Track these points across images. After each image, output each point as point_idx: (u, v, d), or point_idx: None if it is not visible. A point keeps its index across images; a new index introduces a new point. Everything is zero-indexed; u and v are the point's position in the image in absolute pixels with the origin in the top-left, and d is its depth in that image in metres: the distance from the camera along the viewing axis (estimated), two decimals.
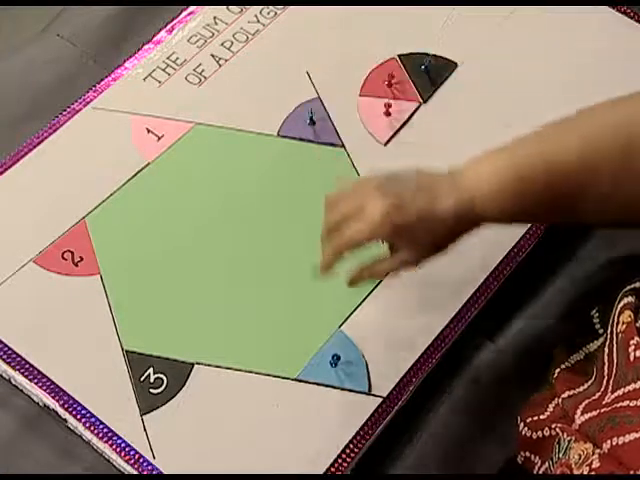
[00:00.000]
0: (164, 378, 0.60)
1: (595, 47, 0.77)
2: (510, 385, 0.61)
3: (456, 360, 0.62)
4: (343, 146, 0.71)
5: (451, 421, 0.60)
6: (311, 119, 0.72)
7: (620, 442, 0.45)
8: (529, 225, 0.66)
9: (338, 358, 0.61)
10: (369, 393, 0.60)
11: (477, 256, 0.65)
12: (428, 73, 0.75)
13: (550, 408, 0.56)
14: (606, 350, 0.53)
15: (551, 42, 0.77)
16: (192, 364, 0.61)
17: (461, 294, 0.64)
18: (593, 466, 0.47)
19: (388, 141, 0.72)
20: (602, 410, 0.50)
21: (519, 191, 0.49)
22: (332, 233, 0.53)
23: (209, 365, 0.61)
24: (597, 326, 0.58)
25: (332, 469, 0.57)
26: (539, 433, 0.55)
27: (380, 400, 0.60)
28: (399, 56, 0.76)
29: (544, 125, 0.52)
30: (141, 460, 0.57)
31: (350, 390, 0.60)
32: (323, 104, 0.74)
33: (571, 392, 0.55)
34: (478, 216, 0.51)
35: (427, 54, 0.76)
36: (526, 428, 0.56)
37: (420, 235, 0.50)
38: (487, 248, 0.65)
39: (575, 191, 0.49)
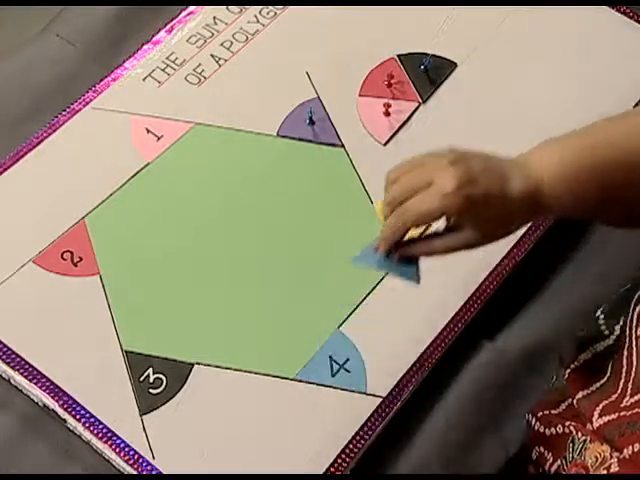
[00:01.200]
0: (164, 378, 0.60)
1: (594, 47, 0.76)
2: (511, 385, 0.61)
3: (456, 360, 0.62)
4: (343, 146, 0.71)
5: (452, 422, 0.60)
6: (310, 119, 0.72)
7: None
8: (530, 224, 0.65)
9: (337, 358, 0.61)
10: (368, 393, 0.60)
11: (478, 255, 0.64)
12: (427, 73, 0.75)
13: (562, 407, 0.55)
14: (625, 353, 0.53)
15: (550, 42, 0.77)
16: (192, 364, 0.61)
17: (461, 293, 0.64)
18: (612, 470, 0.47)
19: (387, 141, 0.72)
20: (621, 414, 0.49)
21: (587, 171, 0.49)
22: (396, 207, 0.50)
23: (209, 365, 0.61)
24: (603, 327, 0.57)
25: (332, 469, 0.57)
26: (552, 430, 0.54)
27: (379, 400, 0.60)
28: (398, 56, 0.76)
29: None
30: (141, 460, 0.57)
31: (349, 390, 0.60)
32: (322, 104, 0.74)
33: (584, 392, 0.54)
34: (545, 200, 0.49)
35: (426, 54, 0.76)
36: (538, 423, 0.55)
37: (488, 214, 0.49)
38: (487, 247, 0.65)
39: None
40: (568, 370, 0.57)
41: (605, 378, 0.54)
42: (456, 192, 0.48)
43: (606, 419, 0.50)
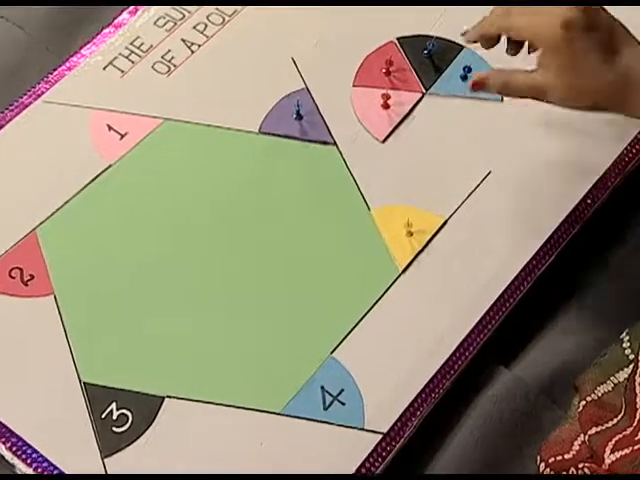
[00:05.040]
0: (129, 414, 0.61)
1: None
2: (528, 418, 0.62)
3: (466, 390, 0.63)
4: (335, 144, 0.72)
5: (461, 459, 0.60)
6: (298, 113, 0.73)
7: None
8: (546, 236, 0.67)
9: (330, 389, 0.62)
10: (366, 429, 0.61)
11: (489, 271, 0.67)
12: (432, 58, 0.76)
13: (575, 446, 0.57)
14: (637, 380, 0.55)
15: None
16: (162, 398, 0.62)
17: (471, 314, 0.65)
18: None
19: (386, 138, 0.73)
20: (635, 447, 0.51)
21: None
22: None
23: (181, 399, 0.62)
24: (627, 351, 0.59)
25: None
26: (565, 472, 0.56)
27: (379, 437, 0.60)
28: (398, 39, 0.77)
29: None
30: None
31: (344, 426, 0.61)
32: (311, 95, 0.75)
33: (599, 428, 0.56)
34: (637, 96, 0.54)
35: (430, 36, 0.77)
36: (548, 469, 0.57)
37: (577, 66, 0.54)
38: (499, 262, 0.67)
39: None
40: (583, 402, 0.58)
41: (622, 412, 0.56)
42: (563, 25, 0.53)
43: (618, 455, 0.52)
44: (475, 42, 0.61)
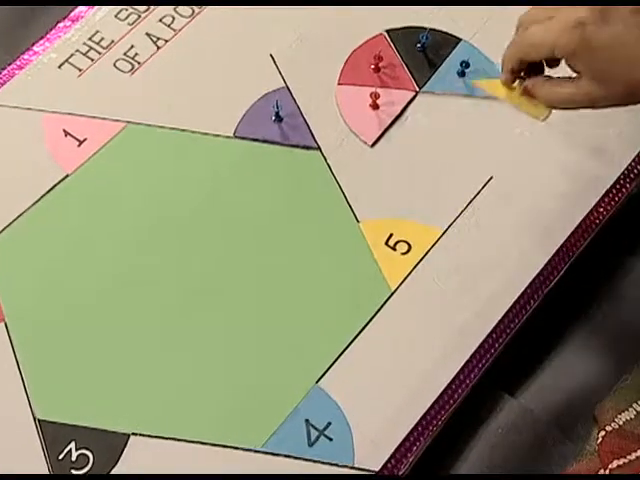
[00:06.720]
0: (90, 455, 0.61)
1: None
2: (539, 452, 0.62)
3: (468, 422, 0.63)
4: (319, 148, 0.72)
5: None
6: (277, 115, 0.73)
7: None
8: (555, 249, 0.67)
9: (315, 422, 0.61)
10: (356, 467, 0.61)
11: (491, 289, 0.66)
12: (425, 52, 0.76)
13: None
14: None
15: None
16: (127, 435, 0.61)
17: (472, 337, 0.65)
18: None
19: (376, 141, 0.73)
20: None
21: None
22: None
23: (149, 436, 0.61)
24: None
25: None
26: None
27: (371, 476, 0.60)
28: (388, 32, 0.77)
29: None
30: None
31: (331, 464, 0.61)
32: (292, 95, 0.74)
33: (621, 461, 0.56)
34: None
35: (423, 28, 0.77)
36: None
37: (611, 66, 0.55)
38: (503, 278, 0.66)
39: None
40: (603, 433, 0.58)
41: None
42: (574, 29, 0.55)
43: None
44: (513, 82, 0.64)
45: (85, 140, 0.72)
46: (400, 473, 0.61)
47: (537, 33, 0.58)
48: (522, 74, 0.64)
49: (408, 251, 0.67)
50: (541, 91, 0.62)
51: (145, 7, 0.79)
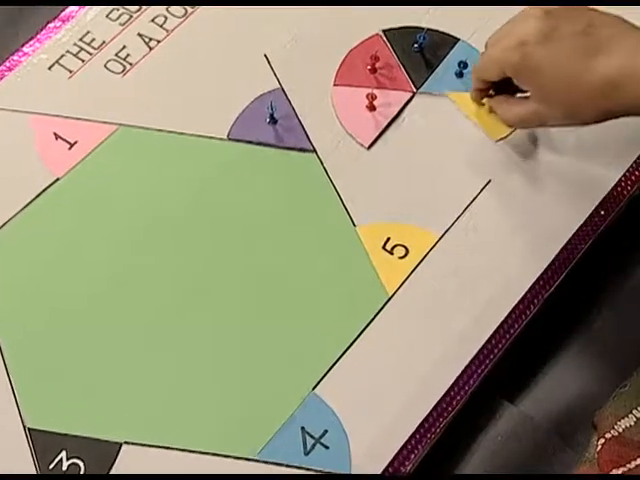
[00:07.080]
0: (81, 464, 0.61)
1: None
2: (538, 460, 0.62)
3: (467, 429, 0.63)
4: (314, 151, 0.72)
5: None
6: (271, 116, 0.73)
7: None
8: (555, 254, 0.67)
9: (311, 430, 0.61)
10: (353, 475, 0.61)
11: (490, 294, 0.66)
12: (423, 53, 0.76)
13: None
14: None
15: None
16: (119, 444, 0.61)
17: (470, 343, 0.65)
18: None
19: (372, 143, 0.73)
20: None
21: None
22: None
23: (142, 445, 0.61)
24: None
25: None
26: None
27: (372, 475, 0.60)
28: (384, 32, 0.77)
29: None
30: None
31: (328, 473, 0.61)
32: (287, 96, 0.75)
33: (620, 470, 0.56)
34: (627, 95, 0.55)
35: (420, 28, 0.77)
36: None
37: (549, 82, 0.57)
38: (502, 283, 0.67)
39: None
40: (602, 440, 0.58)
41: None
42: (517, 48, 0.56)
43: None
44: (482, 99, 0.69)
45: (76, 143, 0.72)
46: None
47: (490, 53, 0.61)
48: (491, 92, 0.67)
49: (405, 255, 0.67)
50: (498, 110, 0.65)
51: (137, 7, 0.79)
